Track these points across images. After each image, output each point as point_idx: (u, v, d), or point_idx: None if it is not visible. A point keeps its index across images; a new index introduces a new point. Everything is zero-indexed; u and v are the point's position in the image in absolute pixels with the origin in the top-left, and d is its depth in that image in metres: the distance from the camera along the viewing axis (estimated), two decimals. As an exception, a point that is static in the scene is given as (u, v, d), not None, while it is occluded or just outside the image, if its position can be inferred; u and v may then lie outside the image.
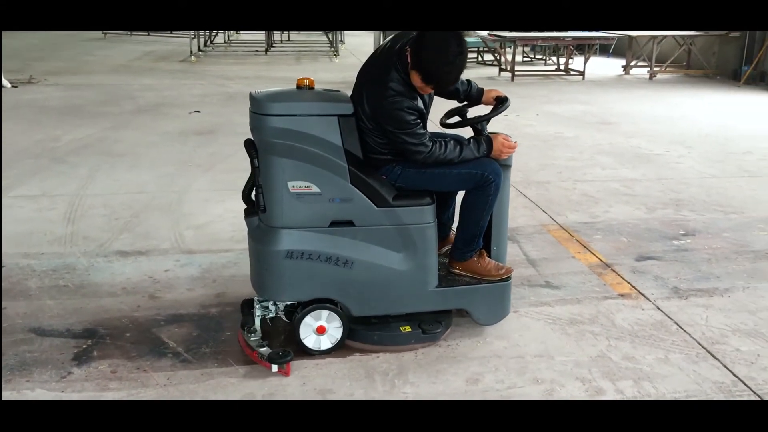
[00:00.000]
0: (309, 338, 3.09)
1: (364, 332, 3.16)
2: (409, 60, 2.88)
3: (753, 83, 12.79)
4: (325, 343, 3.11)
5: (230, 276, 3.96)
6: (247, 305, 3.27)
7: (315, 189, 2.93)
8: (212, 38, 18.14)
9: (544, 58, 16.43)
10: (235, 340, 3.25)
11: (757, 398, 2.86)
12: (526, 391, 2.91)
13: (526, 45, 15.22)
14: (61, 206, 5.08)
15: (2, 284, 3.75)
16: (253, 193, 3.06)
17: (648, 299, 3.76)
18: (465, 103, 3.40)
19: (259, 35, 18.01)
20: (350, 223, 3.01)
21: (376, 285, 3.07)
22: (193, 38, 15.72)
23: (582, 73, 13.38)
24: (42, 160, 6.34)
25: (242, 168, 6.48)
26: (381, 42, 11.75)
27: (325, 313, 3.07)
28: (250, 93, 3.02)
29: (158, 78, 12.09)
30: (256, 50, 17.15)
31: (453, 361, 3.13)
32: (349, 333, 3.14)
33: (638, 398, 2.86)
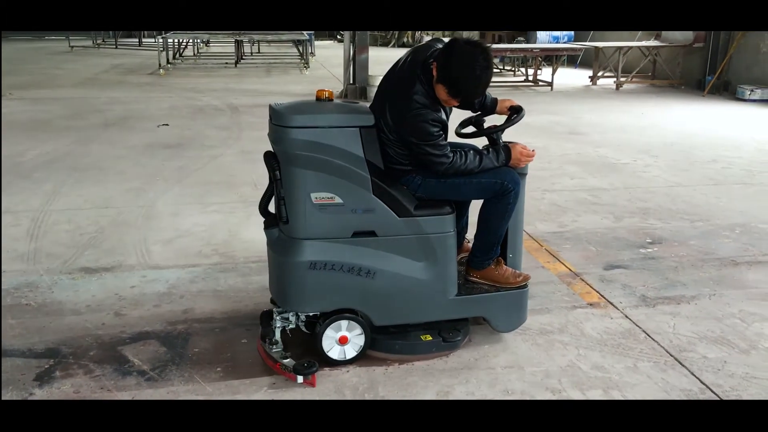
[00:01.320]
0: (332, 349, 3.10)
1: (385, 342, 3.18)
2: (434, 73, 2.92)
3: (717, 93, 13.03)
4: (349, 352, 3.12)
5: (198, 291, 3.90)
6: (267, 317, 3.26)
7: (338, 200, 2.95)
8: (181, 51, 18.02)
9: (513, 69, 16.58)
10: (204, 358, 3.20)
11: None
12: (496, 402, 2.91)
13: (495, 56, 15.33)
14: (24, 222, 4.98)
15: (-38, 304, 3.66)
16: (272, 205, 3.09)
17: (616, 308, 3.78)
18: (479, 113, 3.42)
19: (229, 48, 17.97)
20: (372, 234, 3.02)
21: (397, 294, 3.09)
22: (161, 51, 15.60)
23: (550, 84, 13.53)
24: (6, 176, 6.21)
25: (212, 181, 6.51)
26: (350, 53, 11.83)
27: (347, 323, 3.08)
28: (270, 105, 3.05)
29: (126, 91, 11.96)
30: (226, 63, 17.08)
31: (423, 373, 3.11)
32: (371, 343, 3.15)
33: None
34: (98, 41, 21.37)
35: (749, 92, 12.24)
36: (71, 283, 3.98)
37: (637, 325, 3.57)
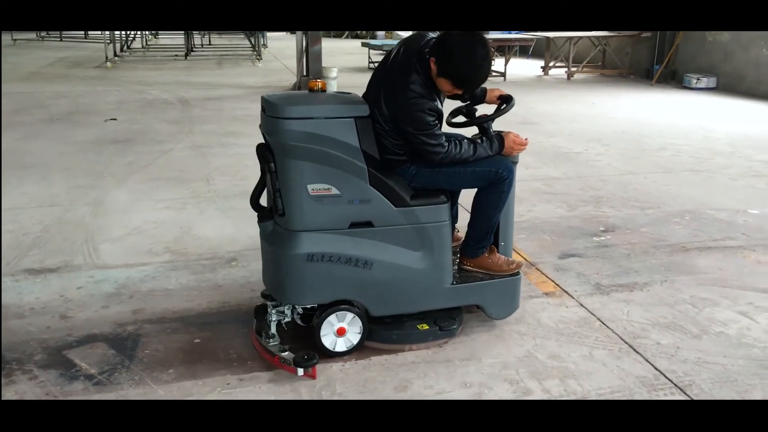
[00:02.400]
0: (330, 340, 3.09)
1: (382, 332, 3.18)
2: (433, 67, 2.92)
3: (664, 81, 13.30)
4: (345, 344, 3.12)
5: (148, 291, 3.79)
6: (261, 311, 3.24)
7: (334, 191, 2.94)
8: (129, 43, 17.58)
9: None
10: (155, 360, 3.11)
11: (678, 390, 2.92)
12: (454, 395, 2.89)
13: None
14: (-37, 223, 4.78)
15: None
16: (264, 197, 3.11)
17: (572, 296, 3.81)
18: (468, 102, 3.41)
19: (179, 39, 17.59)
20: (369, 224, 3.02)
21: (394, 284, 3.10)
22: (108, 43, 15.20)
23: (503, 74, 13.61)
24: (-57, 174, 5.97)
25: (162, 177, 6.34)
26: (303, 44, 11.69)
27: (345, 314, 3.08)
28: (263, 97, 3.03)
29: (72, 85, 11.62)
30: (176, 55, 16.73)
31: (381, 368, 3.08)
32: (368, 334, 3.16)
33: (564, 397, 2.88)
34: (42, 34, 20.70)
35: (695, 80, 12.52)
36: (14, 286, 3.83)
37: (592, 314, 3.60)
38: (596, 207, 5.42)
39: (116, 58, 15.55)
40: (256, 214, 3.20)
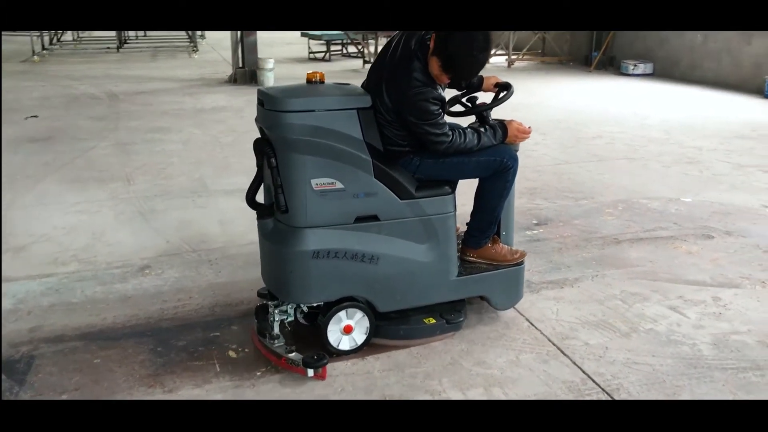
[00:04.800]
0: (337, 339, 3.02)
1: (389, 328, 3.12)
2: (431, 45, 2.85)
3: (603, 68, 13.39)
4: (352, 342, 3.05)
5: (49, 305, 3.51)
6: (262, 311, 3.15)
7: (339, 185, 2.85)
8: (59, 36, 16.89)
9: (408, 48, 16.45)
10: (47, 384, 2.85)
11: (606, 395, 2.80)
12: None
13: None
14: None
15: None
16: (262, 194, 3.04)
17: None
18: (464, 91, 3.33)
19: (111, 31, 16.97)
20: (375, 218, 2.95)
21: (401, 278, 3.03)
22: (37, 36, 14.55)
23: (444, 63, 13.47)
24: None
25: (80, 178, 5.99)
26: (238, 35, 11.35)
27: (352, 311, 3.00)
28: (260, 90, 2.94)
29: (-7, 81, 11.05)
30: (108, 47, 16.15)
31: (297, 383, 2.88)
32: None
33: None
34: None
35: (632, 67, 12.63)
36: None
37: (520, 314, 3.47)
38: (530, 199, 5.31)
39: (44, 51, 14.93)
40: (254, 211, 3.09)
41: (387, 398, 2.79)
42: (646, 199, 5.34)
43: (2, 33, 17.57)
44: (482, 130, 3.06)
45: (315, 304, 3.02)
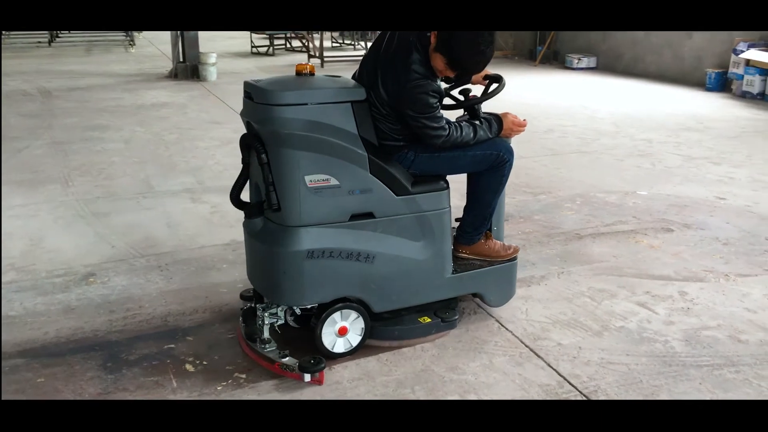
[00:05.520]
0: (331, 342, 2.91)
1: (384, 329, 3.03)
2: (433, 41, 2.77)
3: (547, 62, 13.50)
4: (347, 344, 2.95)
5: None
6: (250, 314, 3.04)
7: (334, 182, 2.74)
8: (-15, 29, 16.08)
9: (353, 43, 16.29)
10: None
11: (584, 398, 2.71)
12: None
13: (335, 31, 14.96)
14: None
15: None
16: (246, 193, 2.93)
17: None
18: (453, 84, 3.22)
19: (42, 25, 16.24)
20: (370, 215, 2.84)
21: (396, 277, 2.94)
22: (-41, 30, 13.78)
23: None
24: None
25: (11, 181, 5.61)
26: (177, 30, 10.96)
27: (347, 312, 2.90)
28: (248, 83, 2.81)
29: None
30: (39, 42, 15.46)
31: (263, 397, 2.70)
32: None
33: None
34: None
35: (576, 61, 12.76)
36: None
37: (490, 315, 3.36)
38: (488, 195, 5.22)
39: (-31, 45, 14.16)
40: (240, 210, 2.97)
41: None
42: (603, 192, 5.32)
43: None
44: (478, 123, 2.97)
45: (309, 306, 2.90)
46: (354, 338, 2.95)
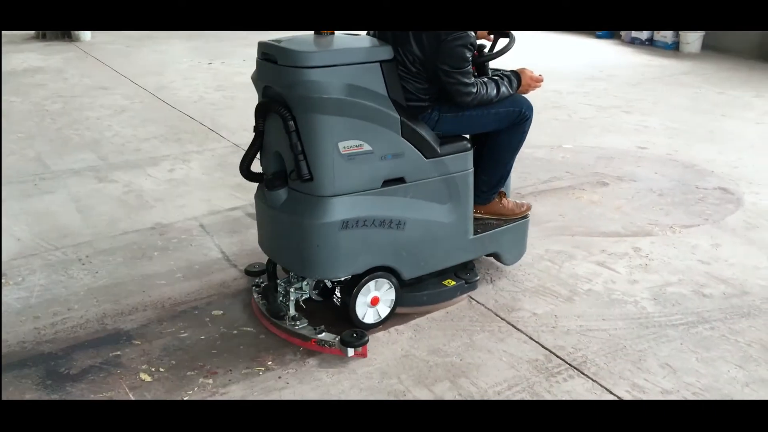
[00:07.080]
0: (362, 312, 2.82)
1: (412, 295, 2.96)
2: None
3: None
4: (376, 315, 2.87)
5: None
6: (271, 290, 2.90)
7: (367, 147, 2.61)
8: None
9: None
10: None
11: (576, 371, 2.63)
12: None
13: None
14: None
15: None
16: (258, 163, 2.80)
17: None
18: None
19: None
20: (401, 180, 2.74)
21: (426, 242, 2.87)
22: None
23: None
24: None
25: None
26: None
27: (381, 282, 2.81)
28: (267, 43, 2.63)
29: None
30: None
31: (242, 390, 2.43)
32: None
33: (459, 399, 2.46)
34: None
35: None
36: None
37: (456, 288, 3.21)
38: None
39: None
40: (252, 182, 2.87)
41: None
42: (530, 148, 5.23)
43: None
44: (498, 79, 2.88)
45: (342, 278, 2.79)
46: (383, 309, 2.88)
